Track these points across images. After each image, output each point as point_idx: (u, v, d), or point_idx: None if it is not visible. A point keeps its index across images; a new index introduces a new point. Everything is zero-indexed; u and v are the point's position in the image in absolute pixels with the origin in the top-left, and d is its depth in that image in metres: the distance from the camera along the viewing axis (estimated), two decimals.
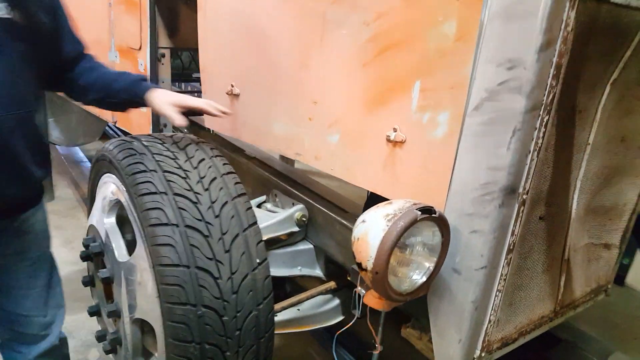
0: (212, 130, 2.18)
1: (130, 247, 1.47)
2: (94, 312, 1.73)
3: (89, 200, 1.84)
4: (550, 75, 1.14)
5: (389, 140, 1.40)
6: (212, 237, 1.31)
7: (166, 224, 1.28)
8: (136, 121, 2.50)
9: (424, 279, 1.26)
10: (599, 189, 1.66)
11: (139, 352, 1.48)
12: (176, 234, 1.27)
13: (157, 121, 2.43)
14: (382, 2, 1.36)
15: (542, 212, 1.42)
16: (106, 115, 2.76)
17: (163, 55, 2.34)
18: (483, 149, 1.22)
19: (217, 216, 1.35)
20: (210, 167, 1.45)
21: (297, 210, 1.83)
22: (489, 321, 1.38)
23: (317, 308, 1.87)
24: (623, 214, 1.81)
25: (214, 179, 1.42)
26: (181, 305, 1.25)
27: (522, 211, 1.28)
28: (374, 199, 1.49)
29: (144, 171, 1.36)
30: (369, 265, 1.16)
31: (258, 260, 1.38)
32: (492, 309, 1.36)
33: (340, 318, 1.92)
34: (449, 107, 1.26)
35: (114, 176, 1.51)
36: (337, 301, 1.91)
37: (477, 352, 1.41)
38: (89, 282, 1.73)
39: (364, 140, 1.49)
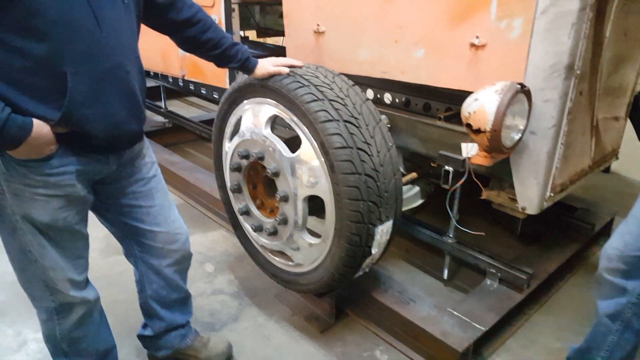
0: None
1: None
2: (244, 211, 2.21)
3: (218, 127, 2.29)
4: None
5: (472, 46, 1.90)
6: (361, 127, 1.80)
7: (331, 120, 1.76)
8: (211, 73, 2.90)
9: (519, 136, 1.80)
10: (611, 73, 2.22)
11: (306, 223, 1.98)
12: (340, 126, 1.76)
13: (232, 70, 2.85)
14: None
15: (582, 89, 1.97)
16: (174, 70, 3.14)
17: (233, 10, 2.74)
18: (550, 40, 1.74)
19: (359, 113, 1.83)
20: (342, 80, 1.93)
21: (382, 119, 2.31)
22: (556, 168, 1.94)
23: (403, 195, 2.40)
24: (626, 92, 2.40)
25: (348, 88, 1.90)
26: (352, 174, 1.75)
27: (576, 83, 1.82)
28: None
29: (303, 86, 1.82)
30: (488, 127, 1.68)
31: (390, 144, 1.89)
32: (558, 158, 1.92)
33: (421, 201, 2.46)
34: (522, 14, 1.77)
35: (266, 98, 1.98)
36: (417, 189, 2.45)
37: (548, 193, 1.98)
38: (237, 189, 2.20)
39: (448, 49, 1.99)
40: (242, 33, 4.48)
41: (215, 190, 2.64)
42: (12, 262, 1.56)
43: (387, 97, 2.48)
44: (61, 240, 1.53)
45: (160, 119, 4.92)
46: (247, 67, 1.88)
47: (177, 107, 5.78)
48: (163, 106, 4.70)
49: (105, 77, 1.38)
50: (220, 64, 1.86)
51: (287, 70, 1.91)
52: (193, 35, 1.74)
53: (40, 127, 1.31)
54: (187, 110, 5.87)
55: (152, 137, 4.42)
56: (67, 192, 1.46)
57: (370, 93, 2.50)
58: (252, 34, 4.74)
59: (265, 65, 1.90)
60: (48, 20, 1.23)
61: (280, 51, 4.09)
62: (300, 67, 1.94)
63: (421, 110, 2.33)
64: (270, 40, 4.99)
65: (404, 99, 2.39)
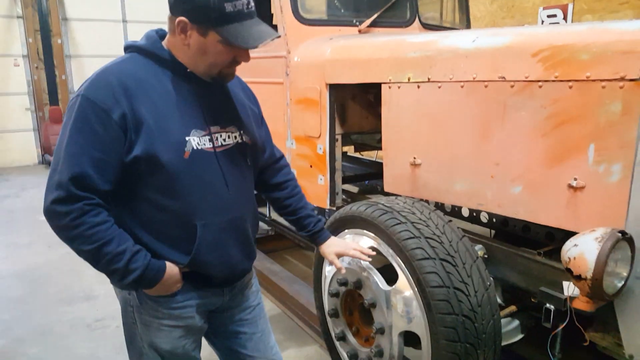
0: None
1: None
2: (341, 337, 2.28)
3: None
4: None
5: (570, 187, 1.92)
6: (458, 266, 1.86)
7: (428, 258, 1.84)
8: (314, 194, 3.13)
9: (622, 283, 1.75)
10: None
11: (402, 357, 2.00)
12: (437, 264, 1.83)
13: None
14: (557, 91, 1.92)
15: None
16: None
17: (337, 139, 3.00)
18: None
19: (456, 251, 1.90)
20: (437, 216, 2.02)
21: (479, 249, 2.34)
22: None
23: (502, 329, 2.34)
24: None
25: (444, 225, 1.98)
26: (449, 314, 1.78)
27: None
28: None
29: (400, 222, 1.94)
30: (589, 275, 1.66)
31: (488, 283, 1.90)
32: None
33: (521, 336, 2.37)
34: (620, 160, 1.79)
35: (365, 230, 2.11)
36: (517, 322, 2.38)
37: None
38: (334, 314, 2.29)
39: (546, 188, 2.02)
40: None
41: (312, 303, 2.74)
42: None
43: (484, 215, 2.50)
44: None
45: (264, 226, 5.22)
46: (315, 240, 1.98)
47: None
48: (267, 214, 5.02)
49: (227, 228, 1.61)
50: (293, 226, 2.03)
51: (355, 253, 1.92)
52: (277, 198, 1.96)
53: (171, 269, 1.54)
54: None
55: (256, 245, 4.69)
56: (187, 323, 1.65)
57: (465, 211, 2.55)
58: (350, 149, 5.03)
59: (331, 250, 1.95)
60: (185, 184, 1.50)
61: (375, 166, 4.32)
62: (369, 259, 1.95)
63: (520, 231, 2.33)
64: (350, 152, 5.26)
65: (502, 219, 2.40)
